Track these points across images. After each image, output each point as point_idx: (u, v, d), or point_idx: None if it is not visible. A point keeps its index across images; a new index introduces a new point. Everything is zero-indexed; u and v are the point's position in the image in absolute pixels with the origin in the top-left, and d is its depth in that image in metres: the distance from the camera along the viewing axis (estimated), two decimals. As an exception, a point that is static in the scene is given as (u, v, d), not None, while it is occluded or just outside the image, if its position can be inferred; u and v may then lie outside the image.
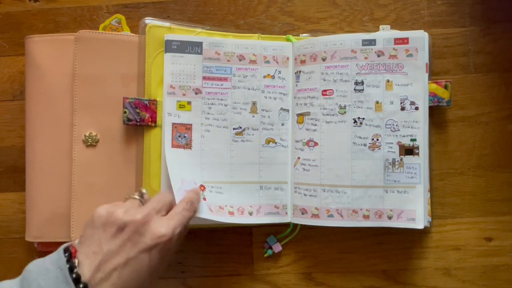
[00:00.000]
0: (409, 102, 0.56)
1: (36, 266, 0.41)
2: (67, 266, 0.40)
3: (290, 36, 0.60)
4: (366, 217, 0.56)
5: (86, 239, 0.43)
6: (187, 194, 0.51)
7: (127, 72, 0.57)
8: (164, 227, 0.44)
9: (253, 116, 0.58)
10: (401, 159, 0.55)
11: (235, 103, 0.58)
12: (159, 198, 0.49)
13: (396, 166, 0.56)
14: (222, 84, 0.58)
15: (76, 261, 0.41)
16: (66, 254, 0.41)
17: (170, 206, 0.49)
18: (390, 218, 0.55)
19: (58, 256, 0.41)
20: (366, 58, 0.56)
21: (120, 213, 0.44)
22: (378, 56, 0.56)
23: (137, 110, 0.56)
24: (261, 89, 0.59)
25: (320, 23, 0.61)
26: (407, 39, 0.56)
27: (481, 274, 0.58)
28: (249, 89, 0.58)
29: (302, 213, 0.57)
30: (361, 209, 0.56)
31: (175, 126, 0.57)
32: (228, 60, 0.58)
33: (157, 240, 0.44)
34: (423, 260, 0.59)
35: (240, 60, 0.58)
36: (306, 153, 0.58)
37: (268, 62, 0.59)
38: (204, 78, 0.58)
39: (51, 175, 0.57)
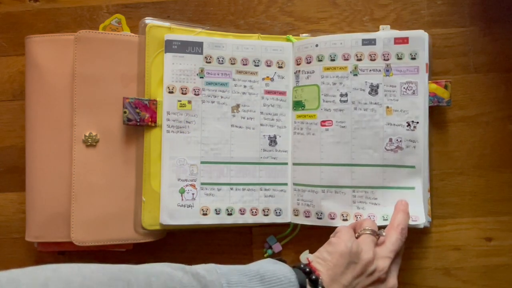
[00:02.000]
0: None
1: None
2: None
3: (290, 36, 0.60)
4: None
5: (333, 266, 0.47)
6: (398, 219, 0.52)
7: (127, 72, 0.57)
8: (395, 278, 0.50)
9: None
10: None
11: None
12: (396, 240, 0.50)
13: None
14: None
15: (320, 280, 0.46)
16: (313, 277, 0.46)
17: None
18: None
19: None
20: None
21: (368, 256, 0.48)
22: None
23: (137, 110, 0.56)
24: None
25: (320, 23, 0.61)
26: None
27: (481, 274, 0.58)
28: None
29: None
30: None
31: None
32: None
33: None
34: (423, 260, 0.59)
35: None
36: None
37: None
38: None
39: (51, 175, 0.56)
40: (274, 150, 0.59)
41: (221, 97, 0.58)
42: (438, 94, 0.57)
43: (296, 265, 0.47)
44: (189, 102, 0.57)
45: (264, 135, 0.59)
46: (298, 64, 0.59)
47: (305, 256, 0.49)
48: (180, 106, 0.57)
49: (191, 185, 0.57)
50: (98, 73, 0.57)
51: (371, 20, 0.61)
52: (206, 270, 0.42)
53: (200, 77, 0.58)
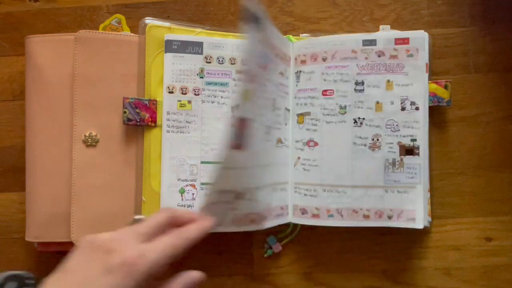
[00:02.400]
0: (410, 102, 0.56)
1: None
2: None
3: (290, 36, 0.60)
4: (366, 217, 0.56)
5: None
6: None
7: (127, 72, 0.57)
8: (134, 250, 0.39)
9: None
10: (401, 159, 0.55)
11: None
12: (149, 219, 0.44)
13: (396, 166, 0.56)
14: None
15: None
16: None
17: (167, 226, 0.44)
18: (390, 218, 0.55)
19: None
20: (366, 58, 0.56)
21: (96, 236, 0.41)
22: (379, 56, 0.56)
23: (137, 110, 0.56)
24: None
25: (320, 23, 0.61)
26: (407, 39, 0.56)
27: (481, 274, 0.58)
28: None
29: (302, 213, 0.57)
30: (361, 209, 0.56)
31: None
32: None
33: (122, 261, 0.38)
34: (423, 260, 0.59)
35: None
36: (306, 153, 0.58)
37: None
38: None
39: (51, 175, 0.56)
40: (274, 150, 0.59)
41: (221, 97, 0.58)
42: (438, 94, 0.57)
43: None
44: (189, 102, 0.57)
45: (264, 135, 0.59)
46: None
47: None
48: (180, 106, 0.57)
49: (191, 185, 0.57)
50: (98, 73, 0.57)
51: (371, 20, 0.61)
52: None
53: (200, 77, 0.58)
